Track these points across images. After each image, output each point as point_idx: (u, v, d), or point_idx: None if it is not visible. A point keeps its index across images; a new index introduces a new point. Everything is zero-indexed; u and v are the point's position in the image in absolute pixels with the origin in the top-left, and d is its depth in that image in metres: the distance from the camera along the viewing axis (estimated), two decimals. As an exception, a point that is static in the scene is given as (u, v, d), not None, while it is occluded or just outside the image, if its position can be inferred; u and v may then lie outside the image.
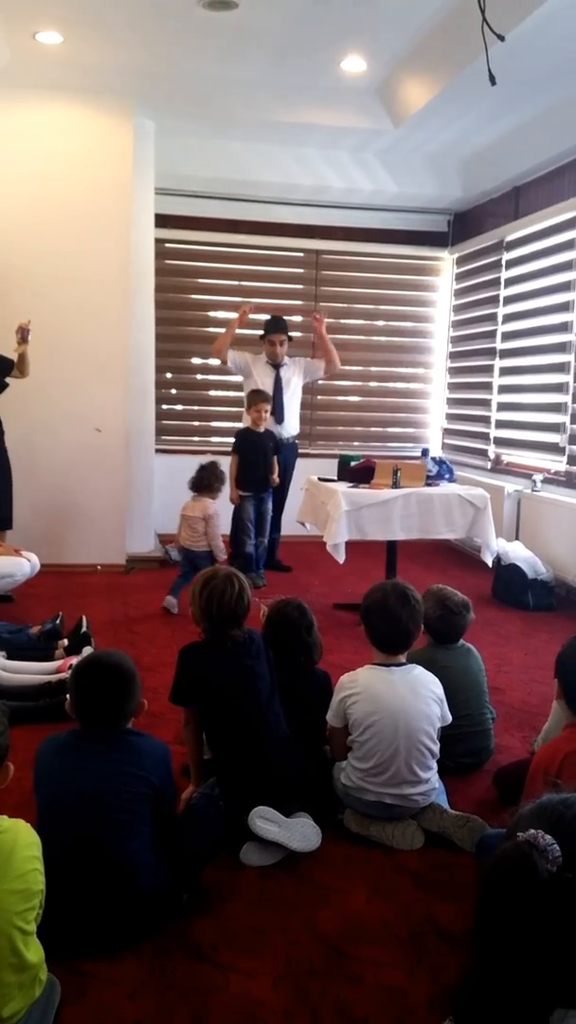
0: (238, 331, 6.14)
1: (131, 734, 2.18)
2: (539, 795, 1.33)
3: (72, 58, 5.21)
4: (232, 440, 5.87)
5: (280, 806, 2.43)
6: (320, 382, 7.74)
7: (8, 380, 4.97)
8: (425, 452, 6.06)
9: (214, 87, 5.61)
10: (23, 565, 4.52)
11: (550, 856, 1.16)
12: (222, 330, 7.43)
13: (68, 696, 2.22)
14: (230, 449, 5.83)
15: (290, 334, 6.13)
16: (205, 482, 5.11)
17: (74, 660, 3.50)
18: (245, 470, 5.66)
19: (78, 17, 4.69)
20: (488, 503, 4.85)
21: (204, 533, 4.99)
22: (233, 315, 6.16)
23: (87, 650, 3.79)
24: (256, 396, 5.75)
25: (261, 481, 5.71)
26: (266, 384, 5.98)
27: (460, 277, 7.73)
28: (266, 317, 6.21)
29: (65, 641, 3.99)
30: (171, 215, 6.94)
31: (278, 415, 5.98)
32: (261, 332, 6.12)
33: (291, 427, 6.12)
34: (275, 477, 5.78)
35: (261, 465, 5.69)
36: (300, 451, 7.34)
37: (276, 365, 6.07)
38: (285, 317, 6.30)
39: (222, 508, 5.74)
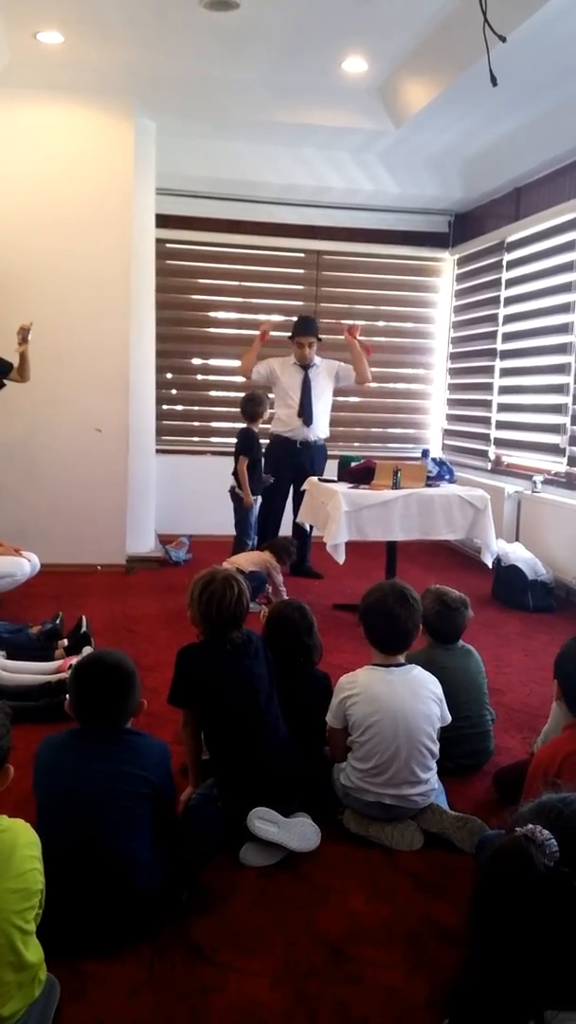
0: (222, 331, 5.97)
1: (131, 734, 2.19)
2: (539, 796, 1.33)
3: (73, 58, 5.21)
4: (235, 440, 5.78)
5: (279, 806, 2.43)
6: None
7: (5, 381, 4.95)
8: (425, 453, 6.05)
9: (215, 87, 5.61)
10: (23, 565, 4.51)
11: (547, 851, 1.16)
12: (222, 331, 7.48)
13: (68, 696, 2.22)
14: (234, 450, 5.72)
15: (320, 336, 6.02)
16: (283, 550, 5.18)
17: (74, 660, 3.50)
18: (254, 471, 5.64)
19: (79, 17, 4.70)
20: (488, 504, 4.85)
21: (257, 565, 5.04)
22: (252, 332, 6.07)
23: (87, 650, 3.79)
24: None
25: (261, 482, 5.70)
26: (293, 386, 5.91)
27: (461, 278, 7.73)
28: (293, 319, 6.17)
29: (65, 641, 3.99)
30: (172, 215, 6.94)
31: (306, 417, 5.90)
32: (289, 334, 6.04)
33: (320, 429, 6.03)
34: (269, 476, 5.77)
35: (260, 468, 5.68)
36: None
37: (304, 366, 5.97)
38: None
39: (221, 507, 5.77)
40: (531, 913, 1.14)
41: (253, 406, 5.64)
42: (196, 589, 2.64)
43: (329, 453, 6.13)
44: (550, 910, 1.14)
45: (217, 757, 2.60)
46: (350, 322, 5.91)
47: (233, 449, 5.72)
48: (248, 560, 5.05)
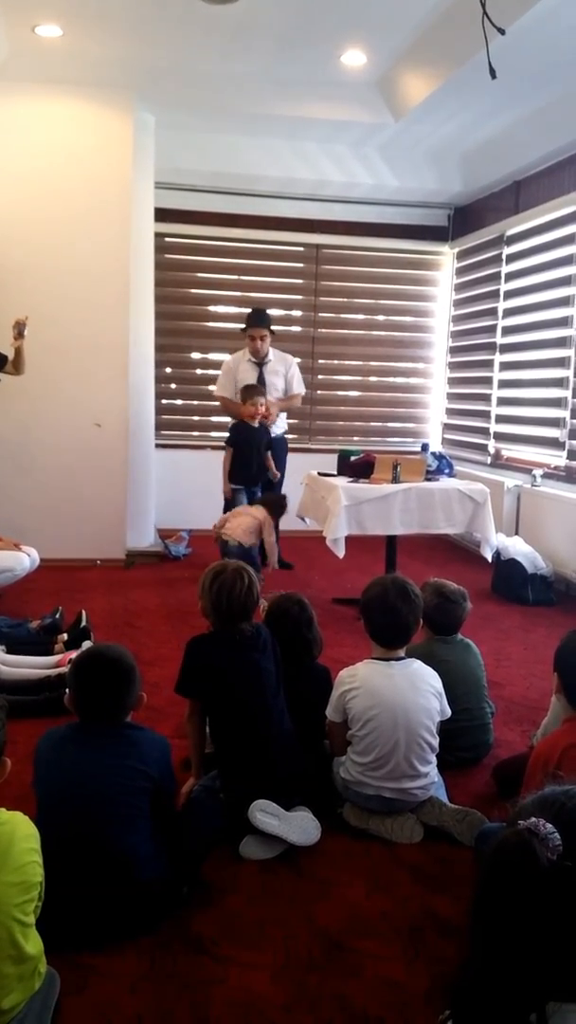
0: (221, 325, 5.78)
1: (131, 728, 2.19)
2: (538, 788, 1.33)
3: (72, 51, 5.20)
4: (226, 434, 5.84)
5: (281, 800, 2.43)
6: (320, 376, 7.77)
7: (1, 376, 4.95)
8: (425, 447, 6.04)
9: (214, 81, 5.59)
10: (23, 559, 4.51)
11: (550, 844, 1.16)
12: (221, 325, 7.46)
13: (67, 690, 2.23)
14: (223, 443, 5.80)
15: (272, 328, 5.94)
16: (276, 505, 5.23)
17: (73, 654, 3.50)
18: (238, 464, 5.65)
19: (78, 10, 4.68)
20: (488, 498, 4.85)
21: (255, 533, 5.11)
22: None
23: (86, 644, 3.79)
24: (250, 391, 5.65)
25: (253, 475, 5.68)
26: (249, 382, 5.84)
27: (460, 271, 7.72)
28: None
29: (65, 635, 3.99)
30: (171, 209, 6.93)
31: None
32: (243, 325, 6.00)
33: (277, 425, 6.01)
34: (275, 471, 5.76)
35: (254, 459, 5.66)
36: (300, 446, 7.33)
37: (259, 363, 5.92)
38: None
39: (220, 502, 5.77)
40: (534, 907, 1.15)
41: (244, 395, 5.64)
42: (207, 579, 2.65)
43: (328, 447, 6.10)
44: (553, 904, 1.14)
45: (221, 749, 2.61)
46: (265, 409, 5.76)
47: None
48: (245, 530, 5.05)
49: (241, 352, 6.03)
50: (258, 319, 5.92)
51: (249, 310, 6.15)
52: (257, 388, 5.71)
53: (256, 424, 5.64)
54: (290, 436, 7.47)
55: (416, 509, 4.72)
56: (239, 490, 5.68)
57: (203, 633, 2.70)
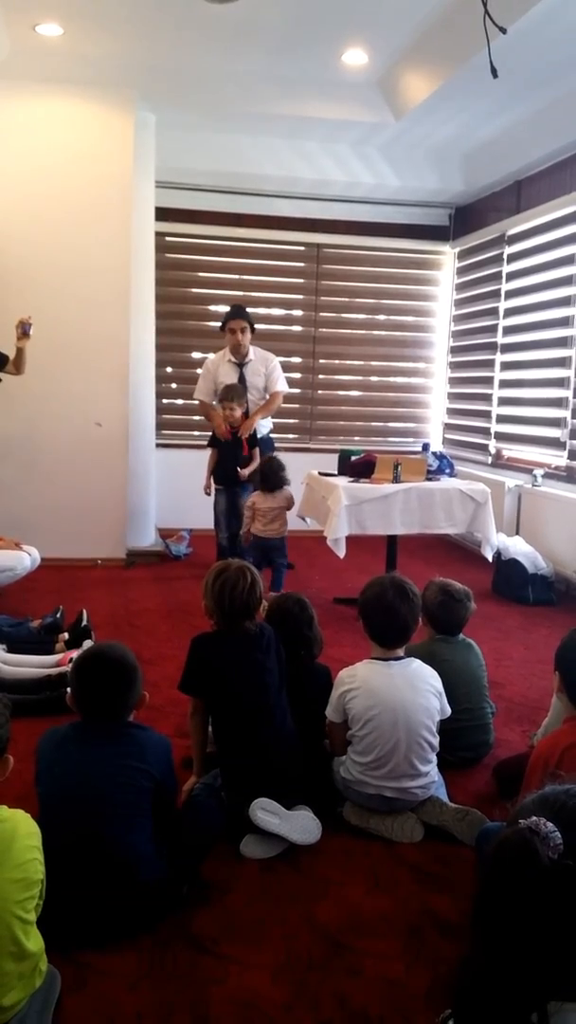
0: (206, 323, 5.82)
1: (133, 727, 2.19)
2: (538, 788, 1.33)
3: (73, 50, 5.19)
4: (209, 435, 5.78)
5: (281, 799, 2.43)
6: (321, 376, 7.76)
7: (1, 375, 4.96)
8: (426, 447, 6.04)
9: (215, 80, 5.59)
10: (23, 559, 4.52)
11: (551, 843, 1.16)
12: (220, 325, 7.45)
13: (69, 689, 2.23)
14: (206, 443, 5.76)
15: (253, 324, 5.77)
16: (275, 479, 5.18)
17: (74, 654, 3.50)
18: (219, 463, 5.63)
19: (78, 9, 4.68)
20: (488, 498, 4.85)
21: (277, 520, 5.16)
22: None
23: (87, 644, 3.79)
24: (229, 391, 5.54)
25: (232, 475, 5.63)
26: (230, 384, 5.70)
27: (461, 271, 7.72)
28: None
29: (65, 635, 3.99)
30: (172, 208, 6.93)
31: (245, 414, 5.69)
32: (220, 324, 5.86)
33: (262, 424, 5.88)
34: (244, 472, 5.56)
35: (231, 460, 5.60)
36: (300, 446, 7.32)
37: (240, 364, 5.78)
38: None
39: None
40: (535, 905, 1.15)
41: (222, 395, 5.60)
42: (210, 578, 2.66)
43: (329, 447, 6.07)
44: (554, 903, 1.14)
45: (223, 747, 2.61)
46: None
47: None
48: (281, 524, 5.13)
49: (220, 353, 5.89)
50: (237, 311, 5.77)
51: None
52: (236, 389, 5.55)
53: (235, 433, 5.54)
54: (291, 436, 7.52)
55: (417, 509, 4.73)
56: (219, 490, 5.64)
57: (207, 631, 2.70)
